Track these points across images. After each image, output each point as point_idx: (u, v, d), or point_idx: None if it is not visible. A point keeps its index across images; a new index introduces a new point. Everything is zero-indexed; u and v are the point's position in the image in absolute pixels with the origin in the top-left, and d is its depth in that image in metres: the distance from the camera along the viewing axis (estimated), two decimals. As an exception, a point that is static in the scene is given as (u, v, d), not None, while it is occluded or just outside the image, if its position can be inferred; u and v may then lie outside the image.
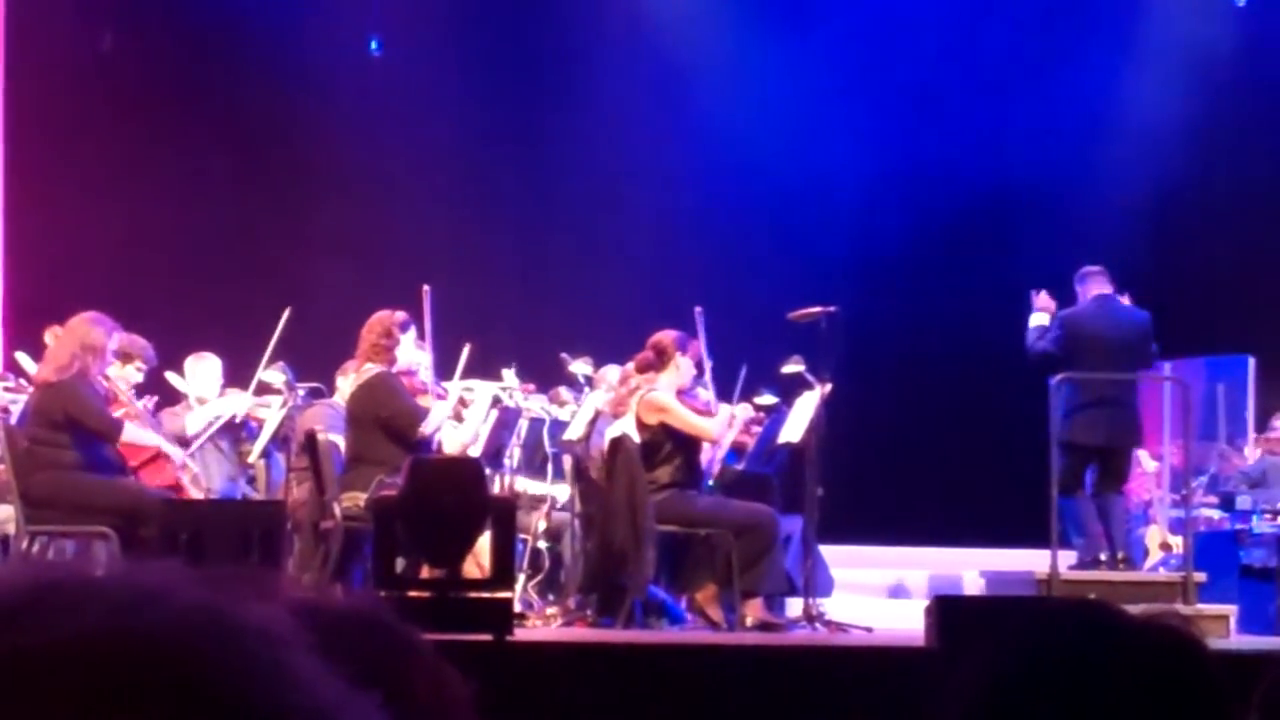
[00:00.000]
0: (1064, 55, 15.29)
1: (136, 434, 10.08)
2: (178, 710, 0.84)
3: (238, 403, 11.28)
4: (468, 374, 11.10)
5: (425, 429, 10.05)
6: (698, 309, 10.85)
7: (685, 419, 10.50)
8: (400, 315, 10.36)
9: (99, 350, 9.73)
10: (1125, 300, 11.28)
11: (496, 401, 11.15)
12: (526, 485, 11.70)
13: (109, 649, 0.85)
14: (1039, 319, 11.22)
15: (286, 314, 11.00)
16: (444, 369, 10.93)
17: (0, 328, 13.83)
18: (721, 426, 10.70)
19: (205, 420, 11.28)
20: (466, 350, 11.01)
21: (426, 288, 10.49)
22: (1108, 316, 11.05)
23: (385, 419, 10.07)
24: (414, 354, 10.44)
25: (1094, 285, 11.17)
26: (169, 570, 0.92)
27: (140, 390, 10.80)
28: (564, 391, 12.06)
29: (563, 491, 11.66)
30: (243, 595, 0.91)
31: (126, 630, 0.86)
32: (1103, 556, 10.90)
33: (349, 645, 1.38)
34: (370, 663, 1.41)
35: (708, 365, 10.95)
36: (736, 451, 11.27)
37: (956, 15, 15.29)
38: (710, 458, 10.97)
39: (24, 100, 14.30)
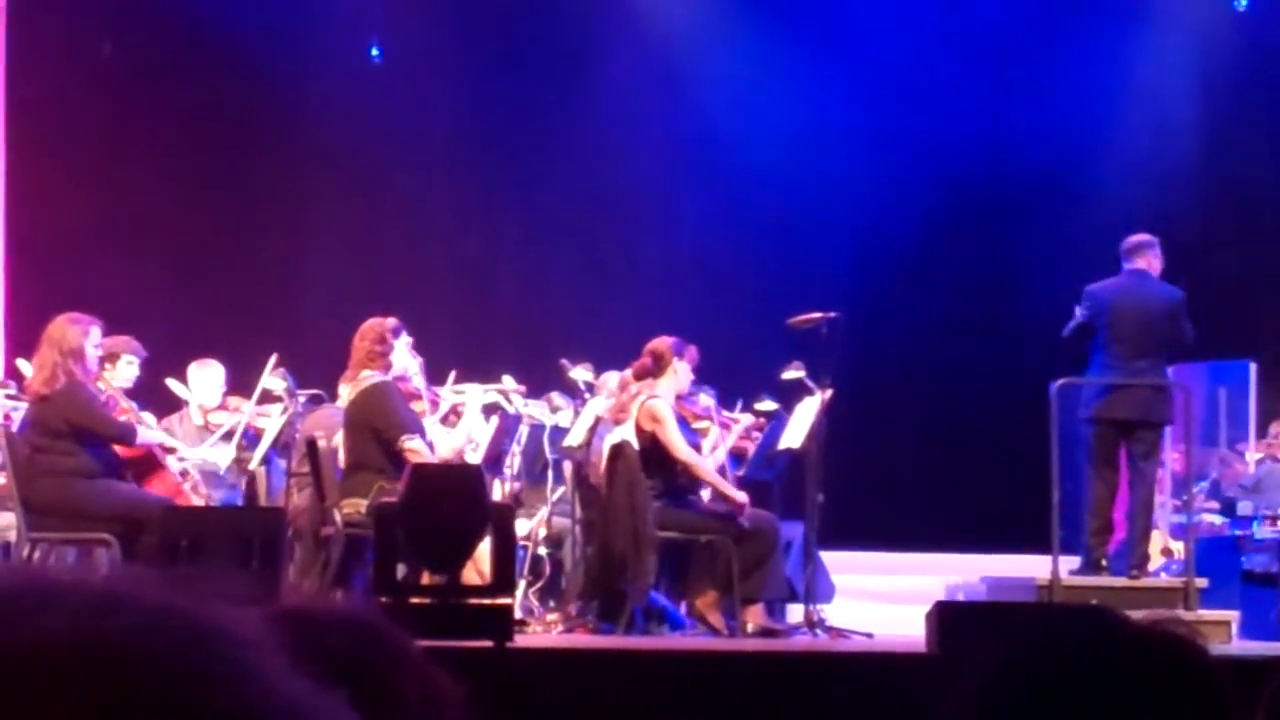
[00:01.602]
0: (1065, 61, 15.27)
1: (150, 434, 10.07)
2: (139, 714, 0.84)
3: (223, 455, 11.16)
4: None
5: (404, 444, 9.99)
6: (707, 388, 10.91)
7: (672, 440, 10.48)
8: (392, 321, 10.33)
9: (78, 351, 9.65)
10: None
11: (497, 408, 11.14)
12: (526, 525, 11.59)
13: (70, 654, 0.85)
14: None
15: (273, 360, 10.97)
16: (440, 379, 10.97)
17: (2, 335, 13.82)
18: (703, 465, 10.66)
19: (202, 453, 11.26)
20: (452, 376, 11.02)
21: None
22: (1135, 292, 10.92)
23: (377, 428, 10.06)
24: (408, 359, 10.43)
25: (1136, 260, 11.07)
26: (133, 575, 0.92)
27: (139, 395, 10.79)
28: (557, 397, 12.05)
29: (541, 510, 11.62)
30: (208, 598, 0.91)
31: (88, 635, 0.85)
32: (1104, 562, 10.87)
33: (338, 651, 1.38)
34: (360, 668, 1.40)
35: (715, 408, 10.96)
36: (737, 457, 11.26)
37: (957, 18, 15.28)
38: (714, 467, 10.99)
39: (25, 108, 14.29)
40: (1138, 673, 1.82)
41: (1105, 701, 1.80)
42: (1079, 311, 10.96)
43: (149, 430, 10.17)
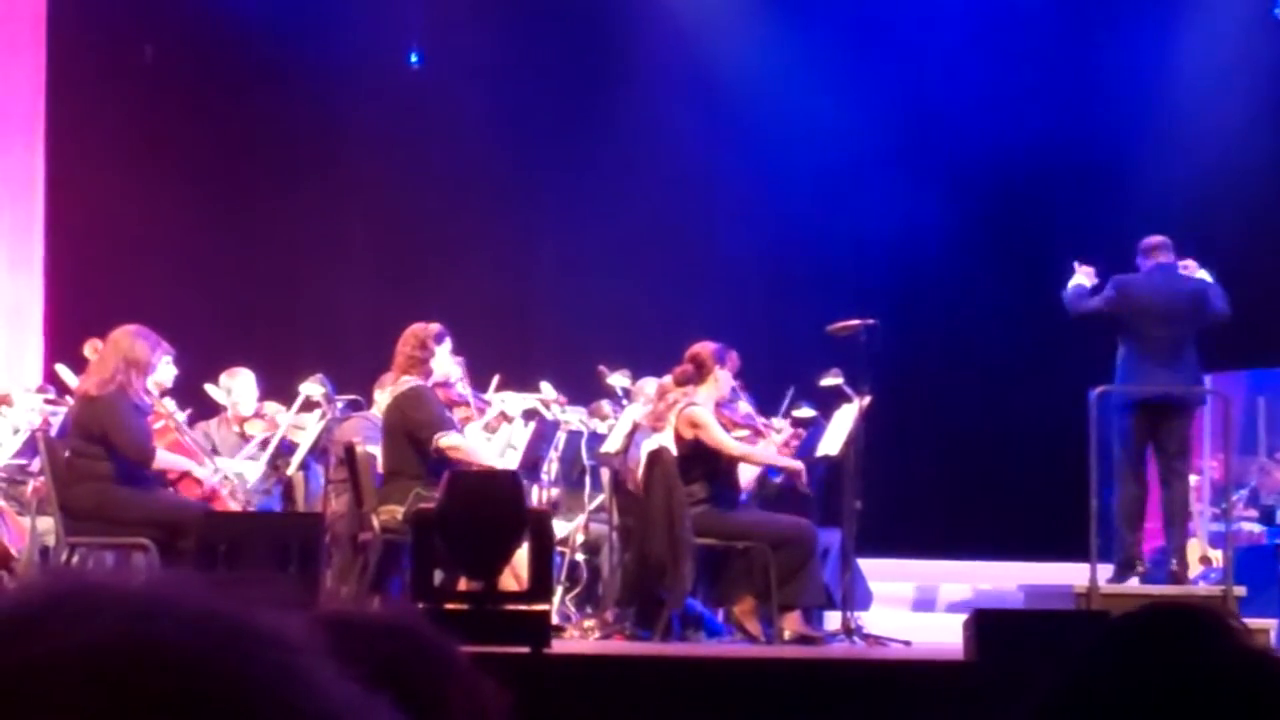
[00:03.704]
0: (1103, 66, 15.24)
1: (169, 460, 10.06)
2: (187, 717, 0.84)
3: (253, 469, 11.14)
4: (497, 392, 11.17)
5: (440, 442, 9.99)
6: (737, 382, 10.90)
7: (719, 439, 10.49)
8: (435, 327, 10.36)
9: (142, 364, 9.73)
10: (1190, 265, 11.22)
11: (535, 414, 11.16)
12: (564, 526, 11.63)
13: (118, 657, 0.85)
14: (1079, 279, 11.20)
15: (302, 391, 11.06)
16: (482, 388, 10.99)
17: (41, 340, 13.89)
18: (755, 450, 10.69)
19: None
20: (496, 380, 11.05)
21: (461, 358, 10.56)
22: (1163, 282, 11.01)
23: (411, 430, 10.07)
24: (450, 366, 10.45)
25: (1154, 256, 11.12)
26: (181, 579, 0.92)
27: (175, 397, 10.85)
28: (605, 405, 12.05)
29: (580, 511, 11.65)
30: (255, 602, 0.91)
31: (136, 638, 0.86)
32: (1139, 568, 10.84)
33: (386, 657, 1.38)
34: (407, 674, 1.41)
35: (754, 415, 10.96)
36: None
37: (996, 20, 15.24)
38: (752, 476, 11.00)
39: (66, 113, 14.36)
40: (1236, 690, 1.63)
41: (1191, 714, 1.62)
42: (1100, 298, 11.00)
43: (168, 456, 10.13)
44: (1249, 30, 15.07)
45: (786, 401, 11.57)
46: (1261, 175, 14.95)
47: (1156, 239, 11.24)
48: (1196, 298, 11.01)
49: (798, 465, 10.76)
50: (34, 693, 0.84)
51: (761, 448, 10.78)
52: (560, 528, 11.22)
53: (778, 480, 11.25)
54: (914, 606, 13.05)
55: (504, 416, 10.84)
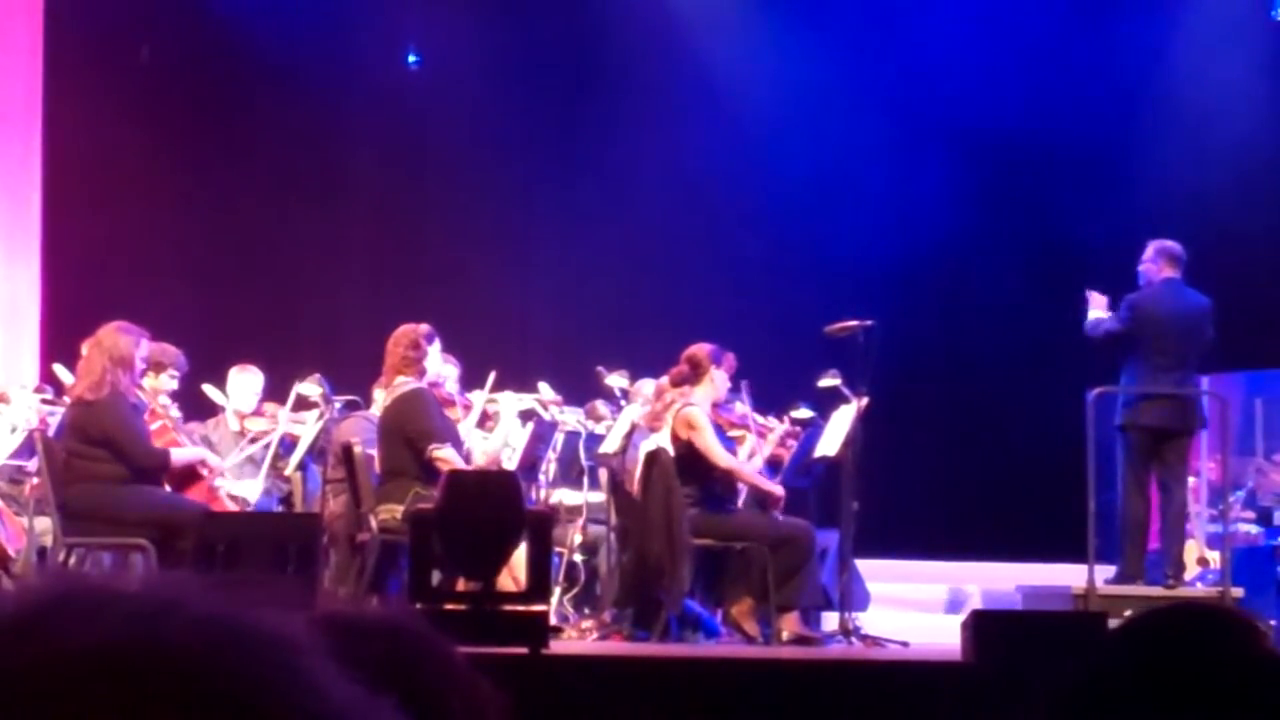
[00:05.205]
0: (1100, 68, 15.24)
1: (183, 455, 10.07)
2: (192, 719, 0.84)
3: (252, 489, 11.11)
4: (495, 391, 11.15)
5: (433, 452, 10.00)
6: (744, 382, 10.88)
7: (708, 446, 10.48)
8: (425, 327, 10.36)
9: (128, 361, 9.72)
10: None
11: (532, 414, 11.16)
12: (564, 495, 11.70)
13: (123, 659, 0.85)
14: (1096, 314, 11.15)
15: (297, 385, 11.04)
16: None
17: (38, 340, 13.88)
18: (741, 466, 10.68)
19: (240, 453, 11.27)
20: (492, 377, 11.04)
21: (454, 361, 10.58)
22: (1173, 300, 10.97)
23: (409, 435, 10.08)
24: (441, 365, 10.46)
25: (1167, 268, 11.07)
26: (184, 580, 0.92)
27: (175, 399, 10.84)
28: (601, 406, 12.05)
29: (595, 497, 11.66)
30: (258, 603, 0.91)
31: (140, 640, 0.86)
32: (1140, 582, 10.84)
33: (384, 658, 1.38)
34: (405, 675, 1.41)
35: (751, 416, 10.95)
36: (773, 465, 11.26)
37: (993, 19, 15.25)
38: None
39: (63, 113, 14.35)
40: (1254, 691, 1.58)
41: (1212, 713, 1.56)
42: (1114, 319, 10.97)
43: (182, 451, 10.14)
44: (1249, 30, 15.07)
45: (774, 414, 11.55)
46: (1261, 176, 14.95)
47: (1175, 249, 11.15)
48: (1203, 315, 10.97)
49: (778, 491, 10.72)
50: (39, 694, 0.84)
51: (745, 463, 10.75)
52: (564, 495, 11.31)
53: (775, 480, 11.24)
54: (912, 607, 13.04)
55: (487, 415, 10.84)
